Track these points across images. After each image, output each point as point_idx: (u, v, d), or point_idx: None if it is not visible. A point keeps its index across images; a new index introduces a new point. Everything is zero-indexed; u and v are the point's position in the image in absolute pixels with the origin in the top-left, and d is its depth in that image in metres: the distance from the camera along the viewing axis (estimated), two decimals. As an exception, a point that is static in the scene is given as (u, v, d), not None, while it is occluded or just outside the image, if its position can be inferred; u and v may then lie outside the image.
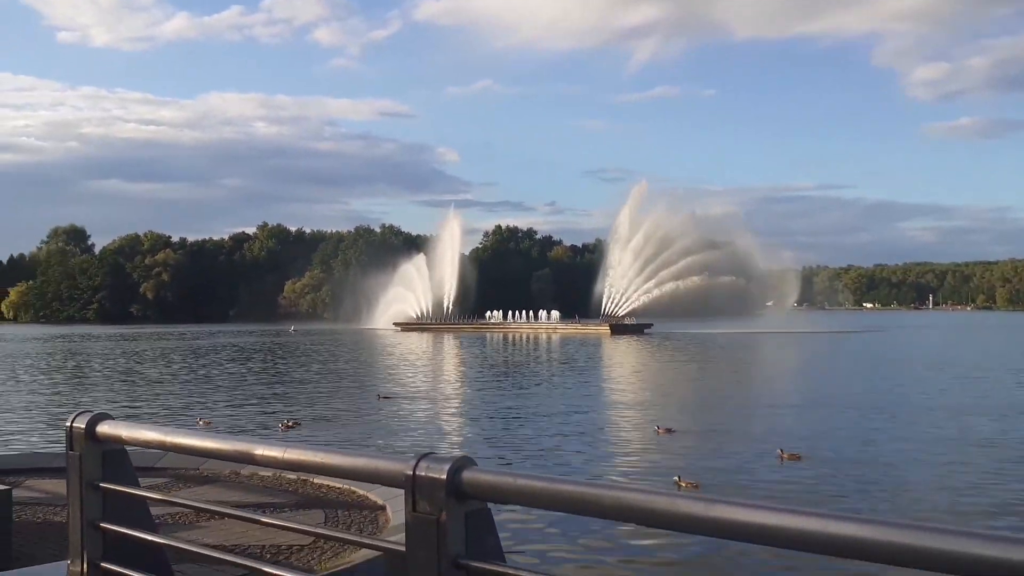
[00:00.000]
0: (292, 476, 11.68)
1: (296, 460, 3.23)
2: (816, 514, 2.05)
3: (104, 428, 3.83)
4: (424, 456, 2.75)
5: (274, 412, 30.15)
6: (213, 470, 12.45)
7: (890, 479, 18.33)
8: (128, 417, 28.91)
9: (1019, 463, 19.97)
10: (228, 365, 53.79)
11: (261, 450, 3.31)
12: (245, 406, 32.37)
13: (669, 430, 23.74)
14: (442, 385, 41.75)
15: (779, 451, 20.10)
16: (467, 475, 2.64)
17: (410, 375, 46.90)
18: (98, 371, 50.43)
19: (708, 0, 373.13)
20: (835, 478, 18.25)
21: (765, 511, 2.11)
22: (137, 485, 4.04)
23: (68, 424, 3.91)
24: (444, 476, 2.63)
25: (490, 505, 2.73)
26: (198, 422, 27.26)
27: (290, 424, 26.38)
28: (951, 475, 18.66)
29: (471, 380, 44.75)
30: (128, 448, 3.93)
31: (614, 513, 2.45)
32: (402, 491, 2.73)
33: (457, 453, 2.92)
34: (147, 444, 3.78)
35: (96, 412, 3.93)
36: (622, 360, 60.74)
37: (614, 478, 18.35)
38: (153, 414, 30.59)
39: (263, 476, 11.93)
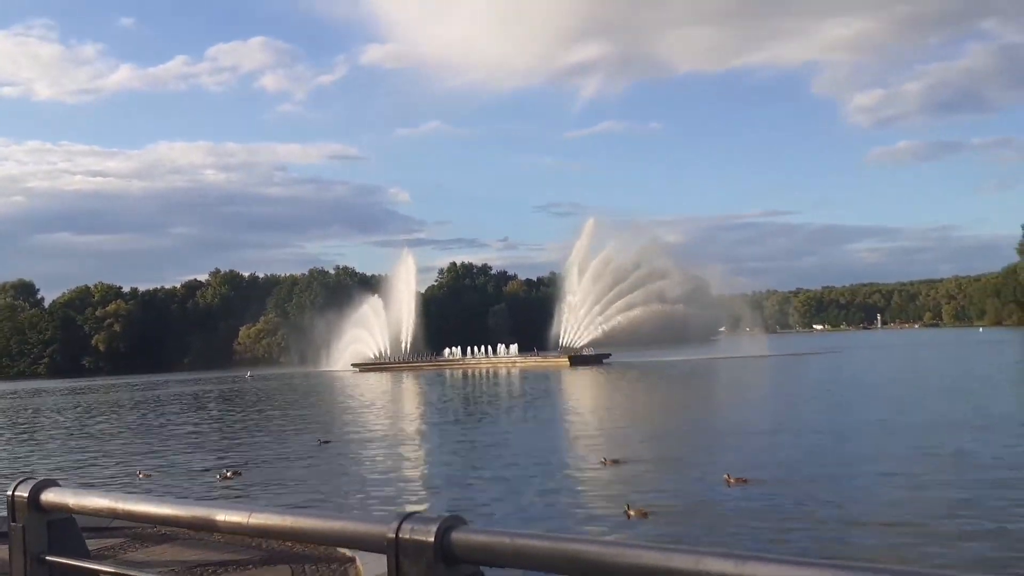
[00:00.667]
0: None
1: (262, 526, 2.99)
2: (858, 567, 1.91)
3: (49, 496, 3.57)
4: (407, 517, 2.54)
5: (218, 460, 29.41)
6: (171, 529, 11.27)
7: (836, 499, 18.26)
8: (72, 478, 27.06)
9: (969, 475, 20.36)
10: (175, 415, 52.80)
11: (223, 515, 3.08)
12: (188, 455, 31.71)
13: (615, 461, 23.73)
14: (391, 425, 40.88)
15: (726, 475, 20.23)
16: (457, 536, 2.42)
17: (361, 417, 46.35)
18: (41, 427, 49.30)
19: (648, 37, 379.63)
20: (780, 500, 18.28)
21: (804, 567, 1.92)
22: (87, 556, 3.78)
23: (9, 493, 3.64)
24: (432, 538, 2.41)
25: (483, 569, 2.53)
26: (138, 474, 26.62)
27: (229, 475, 25.26)
28: (897, 491, 18.83)
29: (421, 419, 44.22)
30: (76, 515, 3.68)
31: (629, 574, 2.14)
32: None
33: (444, 512, 2.74)
34: (96, 512, 3.52)
35: (40, 479, 3.67)
36: (580, 391, 60.96)
37: (569, 514, 18.18)
38: (93, 468, 29.78)
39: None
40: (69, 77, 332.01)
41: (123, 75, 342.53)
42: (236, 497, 22.20)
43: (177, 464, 29.52)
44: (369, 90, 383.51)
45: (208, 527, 3.20)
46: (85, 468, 29.90)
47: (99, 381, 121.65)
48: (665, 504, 18.20)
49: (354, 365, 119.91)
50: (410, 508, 17.82)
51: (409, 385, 79.25)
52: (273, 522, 2.95)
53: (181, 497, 21.44)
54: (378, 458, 28.61)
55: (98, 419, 53.37)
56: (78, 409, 63.49)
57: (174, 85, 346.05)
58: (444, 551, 2.39)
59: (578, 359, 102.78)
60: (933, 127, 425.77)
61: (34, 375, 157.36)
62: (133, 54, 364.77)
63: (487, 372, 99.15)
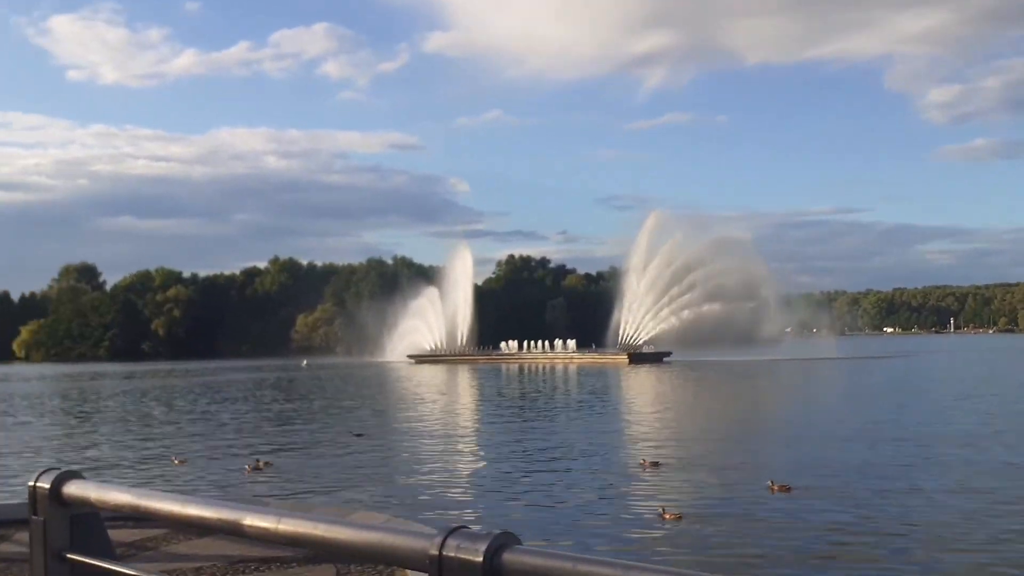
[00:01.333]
0: None
1: (292, 533, 2.74)
2: None
3: (71, 489, 3.42)
4: (453, 531, 2.25)
5: (255, 450, 28.97)
6: (196, 528, 10.82)
7: (879, 513, 17.57)
8: (108, 460, 27.98)
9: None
10: (224, 403, 51.92)
11: (251, 519, 2.85)
12: (227, 442, 31.77)
13: (655, 463, 23.55)
14: (439, 420, 40.05)
15: (770, 482, 19.87)
16: (509, 556, 2.16)
17: (409, 410, 45.50)
18: (93, 411, 48.93)
19: (717, 27, 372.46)
20: (820, 510, 17.84)
21: None
22: (112, 555, 3.60)
23: (31, 484, 3.48)
24: (480, 557, 2.16)
25: None
26: (173, 460, 26.66)
27: (260, 464, 24.93)
28: (947, 507, 18.17)
29: (468, 414, 43.28)
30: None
31: None
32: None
33: (494, 528, 2.27)
34: (118, 508, 3.34)
35: (62, 470, 3.52)
36: (635, 391, 58.99)
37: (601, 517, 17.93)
38: (130, 452, 29.98)
39: None
40: (135, 61, 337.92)
41: (187, 60, 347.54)
42: (261, 487, 22.01)
43: (216, 451, 29.57)
44: (431, 78, 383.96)
45: (234, 531, 2.96)
46: (122, 451, 30.27)
47: (157, 366, 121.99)
48: (702, 508, 18.12)
49: (410, 357, 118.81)
50: (448, 516, 17.84)
51: (463, 378, 77.86)
52: (304, 530, 2.73)
53: (209, 495, 21.19)
54: (417, 454, 28.09)
55: (150, 403, 53.31)
56: (130, 394, 63.18)
57: (237, 71, 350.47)
58: (495, 572, 2.17)
59: (637, 357, 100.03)
60: (1011, 124, 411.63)
61: (94, 358, 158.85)
62: (197, 39, 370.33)
63: (544, 368, 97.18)
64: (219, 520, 3.01)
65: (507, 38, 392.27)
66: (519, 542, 2.17)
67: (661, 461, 23.85)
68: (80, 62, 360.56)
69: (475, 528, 2.24)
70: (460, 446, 30.22)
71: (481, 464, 25.67)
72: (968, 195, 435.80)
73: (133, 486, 3.51)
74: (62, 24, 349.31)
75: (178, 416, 43.67)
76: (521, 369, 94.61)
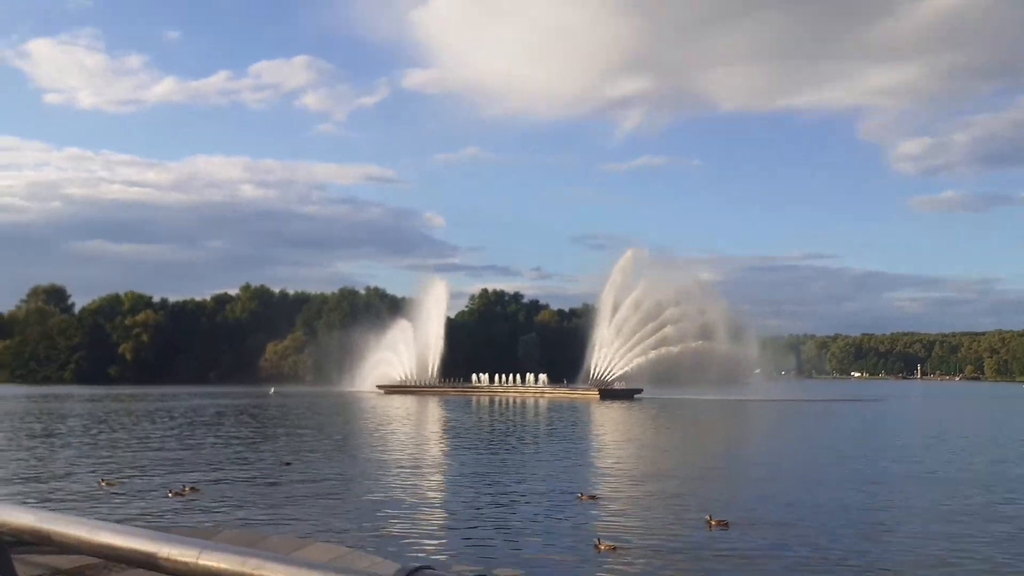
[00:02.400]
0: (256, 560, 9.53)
1: (213, 569, 2.38)
2: None
3: None
4: (416, 571, 2.04)
5: (185, 475, 28.87)
6: (104, 559, 10.22)
7: (811, 550, 18.11)
8: (20, 485, 27.34)
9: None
10: (179, 428, 51.19)
11: (168, 550, 2.53)
12: (162, 467, 31.45)
13: (593, 496, 24.09)
14: (396, 449, 39.93)
15: (708, 517, 20.35)
16: None
17: (368, 439, 45.43)
18: (40, 431, 48.36)
19: (693, 73, 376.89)
20: (755, 545, 18.30)
21: None
22: None
23: None
24: None
25: None
26: (100, 483, 26.35)
27: (185, 490, 24.54)
28: (883, 543, 18.86)
29: (425, 445, 43.23)
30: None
31: None
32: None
33: (464, 566, 2.00)
34: (18, 532, 3.00)
35: None
36: (602, 425, 59.39)
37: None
38: (61, 471, 29.90)
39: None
40: (113, 87, 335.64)
41: (166, 87, 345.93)
42: (180, 515, 21.70)
43: (150, 475, 29.29)
44: (409, 114, 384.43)
45: (147, 564, 2.59)
46: (52, 470, 30.23)
47: (121, 390, 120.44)
48: (637, 541, 18.56)
49: (379, 387, 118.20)
50: (369, 541, 18.07)
51: (432, 410, 77.30)
52: (228, 565, 2.36)
53: (125, 523, 19.95)
54: (352, 481, 28.06)
55: (98, 426, 52.65)
56: (80, 416, 62.45)
57: (216, 99, 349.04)
58: None
59: (608, 393, 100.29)
60: (980, 178, 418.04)
61: (60, 380, 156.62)
62: (177, 67, 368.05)
63: (514, 401, 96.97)
64: (131, 551, 2.72)
65: (486, 77, 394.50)
66: None
67: (599, 494, 24.59)
68: (58, 86, 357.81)
69: (439, 567, 2.09)
70: (403, 475, 30.15)
71: (426, 494, 25.91)
72: (937, 245, 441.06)
73: (42, 508, 3.23)
74: (41, 48, 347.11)
75: (124, 439, 43.30)
76: (491, 402, 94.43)
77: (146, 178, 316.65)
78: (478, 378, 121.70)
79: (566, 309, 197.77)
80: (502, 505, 23.69)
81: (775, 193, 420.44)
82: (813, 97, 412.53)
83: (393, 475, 29.99)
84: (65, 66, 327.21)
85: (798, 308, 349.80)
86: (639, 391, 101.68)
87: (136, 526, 2.88)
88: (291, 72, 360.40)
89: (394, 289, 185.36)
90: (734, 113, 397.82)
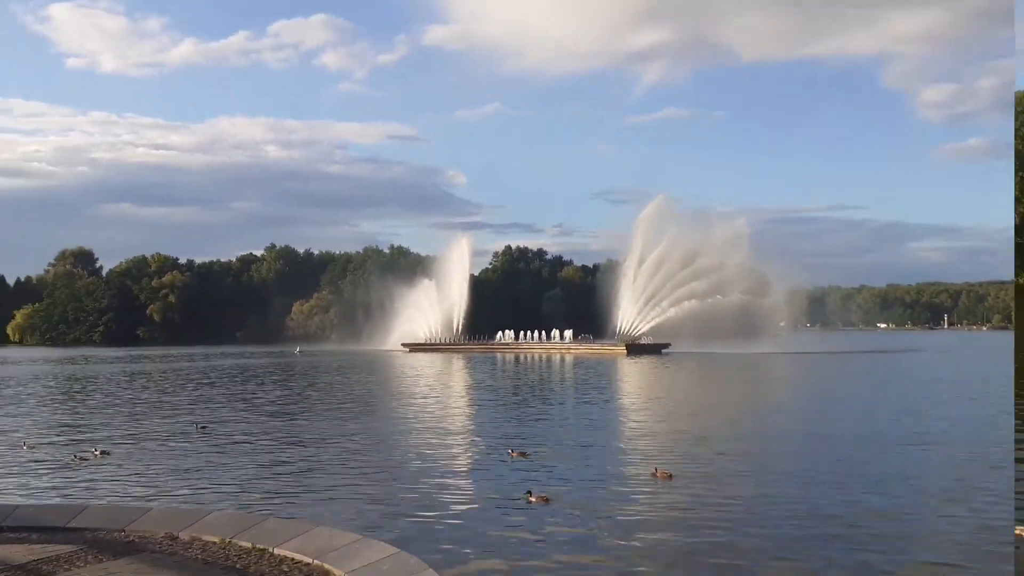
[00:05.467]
0: (246, 544, 9.38)
1: None
2: None
3: None
4: None
5: (115, 438, 28.42)
6: (143, 532, 9.97)
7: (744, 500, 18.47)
8: None
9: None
10: (178, 390, 50.35)
11: None
12: (109, 431, 30.63)
13: (523, 454, 24.05)
14: (421, 407, 39.86)
15: (654, 469, 21.03)
16: None
17: (391, 397, 45.06)
18: (37, 394, 48.56)
19: (713, 23, 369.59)
20: (694, 497, 18.61)
21: None
22: None
23: None
24: None
25: None
26: (21, 445, 26.19)
27: (97, 453, 23.83)
28: (841, 501, 18.37)
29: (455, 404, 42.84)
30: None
31: None
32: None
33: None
34: None
35: None
36: (626, 381, 58.95)
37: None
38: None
39: (206, 542, 9.60)
40: (134, 50, 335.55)
41: (186, 49, 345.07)
42: (77, 478, 21.00)
43: (78, 437, 28.84)
44: (429, 71, 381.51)
45: None
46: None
47: (149, 351, 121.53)
48: (574, 493, 19.13)
49: (404, 345, 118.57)
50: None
51: (455, 367, 77.35)
52: None
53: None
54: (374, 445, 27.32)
55: (80, 388, 53.02)
56: (85, 379, 62.39)
57: (236, 60, 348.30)
58: None
59: (635, 348, 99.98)
60: (1005, 125, 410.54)
61: (90, 343, 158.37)
62: (196, 28, 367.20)
63: (540, 357, 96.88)
64: None
65: (506, 32, 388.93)
66: None
67: (527, 451, 24.44)
68: (79, 50, 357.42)
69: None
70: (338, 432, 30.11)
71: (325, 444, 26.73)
72: (962, 194, 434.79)
73: None
74: (61, 12, 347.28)
75: (101, 402, 43.09)
76: (517, 358, 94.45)
77: (170, 141, 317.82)
78: (503, 335, 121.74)
79: (589, 265, 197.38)
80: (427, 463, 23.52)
81: (798, 144, 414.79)
82: (835, 45, 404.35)
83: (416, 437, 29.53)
84: (86, 30, 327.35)
85: (822, 260, 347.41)
86: (667, 346, 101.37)
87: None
88: (309, 31, 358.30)
89: (418, 248, 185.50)
90: (755, 62, 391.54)
